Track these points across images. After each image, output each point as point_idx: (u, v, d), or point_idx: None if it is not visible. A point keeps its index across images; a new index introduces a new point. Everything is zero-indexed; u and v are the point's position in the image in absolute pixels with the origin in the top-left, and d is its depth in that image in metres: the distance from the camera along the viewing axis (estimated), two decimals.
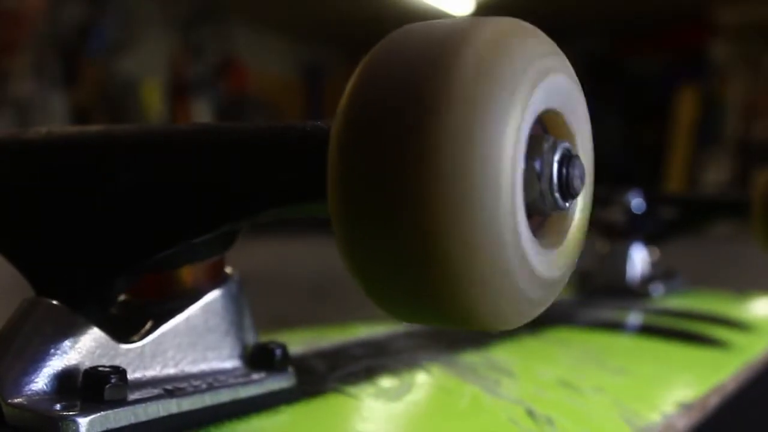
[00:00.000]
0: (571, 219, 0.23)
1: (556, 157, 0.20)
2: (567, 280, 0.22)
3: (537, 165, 0.20)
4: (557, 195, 0.20)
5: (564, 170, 0.20)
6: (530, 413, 0.33)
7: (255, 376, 0.29)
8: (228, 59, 5.18)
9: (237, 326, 0.29)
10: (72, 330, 0.25)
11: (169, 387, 0.26)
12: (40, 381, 0.24)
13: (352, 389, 0.32)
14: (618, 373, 0.43)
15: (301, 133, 0.23)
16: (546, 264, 0.21)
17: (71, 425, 0.22)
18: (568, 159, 0.21)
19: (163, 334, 0.27)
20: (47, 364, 0.24)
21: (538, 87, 0.19)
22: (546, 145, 0.20)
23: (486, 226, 0.18)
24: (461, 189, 0.18)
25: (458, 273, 0.18)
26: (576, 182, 0.21)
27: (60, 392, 0.24)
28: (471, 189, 0.18)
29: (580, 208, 0.23)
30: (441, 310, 0.19)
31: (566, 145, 0.21)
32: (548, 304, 0.21)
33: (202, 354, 0.28)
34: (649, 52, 5.47)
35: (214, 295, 0.29)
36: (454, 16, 0.21)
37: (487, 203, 0.18)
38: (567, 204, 0.21)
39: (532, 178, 0.20)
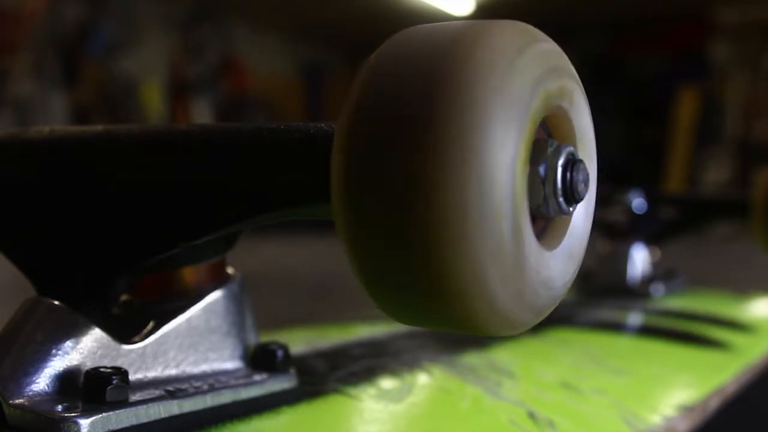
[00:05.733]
0: (575, 223, 0.22)
1: (560, 162, 0.20)
2: (571, 283, 0.22)
3: (541, 170, 0.20)
4: (561, 199, 0.20)
5: (568, 175, 0.20)
6: (531, 415, 0.33)
7: (256, 377, 0.28)
8: (228, 59, 5.18)
9: (238, 327, 0.29)
10: (73, 330, 0.25)
11: (171, 388, 0.26)
12: (42, 382, 0.24)
13: (353, 390, 0.32)
14: (619, 374, 0.43)
15: (304, 134, 0.23)
16: (550, 267, 0.21)
17: (73, 426, 0.22)
18: (572, 163, 0.20)
19: (164, 335, 0.27)
20: (48, 364, 0.24)
21: (542, 90, 0.19)
22: (550, 150, 0.20)
23: (490, 230, 0.18)
24: (465, 193, 0.18)
25: (462, 277, 0.18)
26: (580, 187, 0.21)
27: (61, 393, 0.24)
28: (475, 193, 0.18)
29: (583, 211, 0.23)
30: (444, 314, 0.19)
31: (570, 149, 0.20)
32: (552, 307, 0.21)
33: (203, 355, 0.28)
34: (649, 52, 5.47)
35: (215, 295, 0.29)
36: (455, 18, 0.21)
37: (492, 208, 0.18)
38: (571, 208, 0.21)
39: (536, 182, 0.20)
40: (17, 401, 0.23)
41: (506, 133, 0.18)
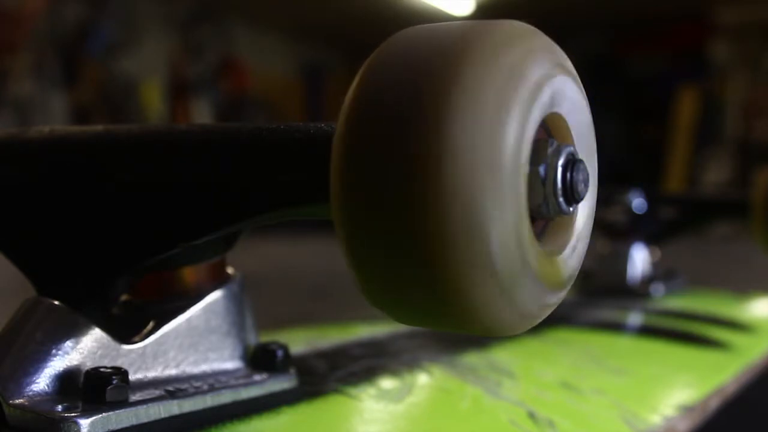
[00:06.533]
0: (575, 223, 0.22)
1: (561, 162, 0.20)
2: (571, 283, 0.22)
3: (541, 170, 0.20)
4: (561, 200, 0.20)
5: (568, 175, 0.20)
6: (531, 415, 0.33)
7: (256, 377, 0.28)
8: (228, 59, 5.18)
9: (238, 327, 0.29)
10: (73, 330, 0.25)
11: (171, 388, 0.26)
12: (42, 382, 0.24)
13: (353, 390, 0.32)
14: (618, 374, 0.43)
15: (304, 134, 0.23)
16: (549, 268, 0.21)
17: (73, 426, 0.22)
18: (572, 163, 0.20)
19: (164, 335, 0.27)
20: (48, 364, 0.24)
21: (541, 90, 0.19)
22: (550, 150, 0.20)
23: (489, 230, 0.18)
24: (464, 193, 0.18)
25: (461, 277, 0.18)
26: (580, 187, 0.21)
27: (61, 393, 0.24)
28: (475, 193, 0.18)
29: (583, 212, 0.23)
30: (443, 314, 0.19)
31: (570, 149, 0.20)
32: (552, 307, 0.21)
33: (203, 355, 0.28)
34: (649, 52, 5.47)
35: (215, 295, 0.29)
36: (455, 18, 0.21)
37: (491, 207, 0.18)
38: (571, 209, 0.21)
39: (536, 182, 0.20)
40: (17, 401, 0.23)
41: (506, 134, 0.18)
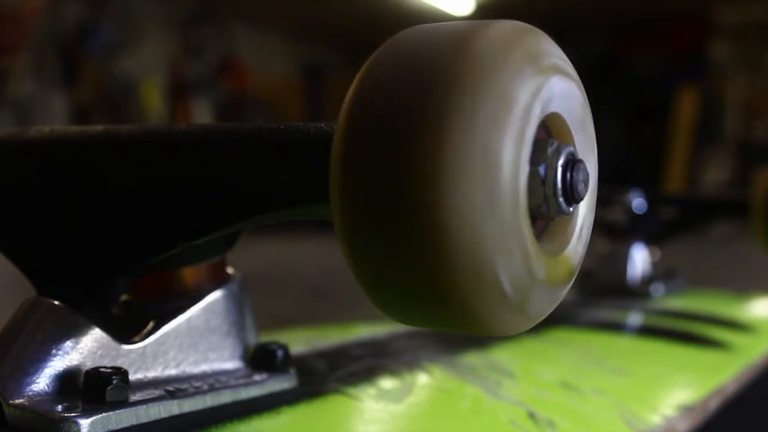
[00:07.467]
0: (575, 223, 0.22)
1: (560, 162, 0.20)
2: (571, 283, 0.22)
3: (541, 170, 0.20)
4: (561, 200, 0.20)
5: (568, 175, 0.20)
6: (531, 415, 0.33)
7: (256, 377, 0.28)
8: (228, 59, 5.18)
9: (238, 327, 0.29)
10: (73, 330, 0.25)
11: (171, 388, 0.26)
12: (42, 382, 0.24)
13: (353, 390, 0.32)
14: (618, 374, 0.43)
15: (304, 134, 0.23)
16: (550, 267, 0.21)
17: (73, 426, 0.22)
18: (572, 164, 0.20)
19: (164, 335, 0.27)
20: (49, 364, 0.24)
21: (541, 90, 0.19)
22: (550, 150, 0.20)
23: (490, 230, 0.18)
24: (464, 193, 0.18)
25: (461, 277, 0.18)
26: (580, 187, 0.21)
27: (61, 393, 0.24)
28: (475, 193, 0.18)
29: (583, 211, 0.23)
30: (443, 314, 0.19)
31: (570, 149, 0.20)
32: (552, 307, 0.21)
33: (203, 355, 0.28)
34: (649, 52, 5.47)
35: (215, 295, 0.29)
36: (455, 18, 0.21)
37: (491, 208, 0.18)
38: (571, 209, 0.21)
39: (536, 183, 0.20)
40: (17, 401, 0.23)
41: (506, 134, 0.18)
